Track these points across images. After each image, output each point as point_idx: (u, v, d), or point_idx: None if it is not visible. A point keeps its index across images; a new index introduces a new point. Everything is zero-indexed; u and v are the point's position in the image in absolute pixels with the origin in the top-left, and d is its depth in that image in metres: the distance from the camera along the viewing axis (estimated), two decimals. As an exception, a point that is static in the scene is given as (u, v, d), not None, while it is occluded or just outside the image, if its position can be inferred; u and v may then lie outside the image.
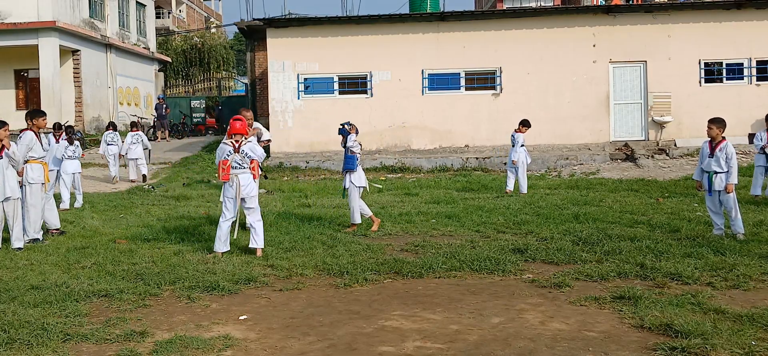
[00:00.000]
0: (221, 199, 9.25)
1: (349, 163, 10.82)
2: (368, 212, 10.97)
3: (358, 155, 10.92)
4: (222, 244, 8.99)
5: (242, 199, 9.00)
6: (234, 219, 9.12)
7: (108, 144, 19.44)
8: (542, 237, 9.82)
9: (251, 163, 9.01)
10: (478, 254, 8.53)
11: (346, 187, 10.90)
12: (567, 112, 21.83)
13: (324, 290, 7.32)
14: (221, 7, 64.15)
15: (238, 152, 8.96)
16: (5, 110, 28.90)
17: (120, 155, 19.64)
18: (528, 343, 5.50)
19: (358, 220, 10.84)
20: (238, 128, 9.05)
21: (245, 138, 9.10)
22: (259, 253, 8.94)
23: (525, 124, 15.60)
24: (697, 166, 9.82)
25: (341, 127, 10.98)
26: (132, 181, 19.48)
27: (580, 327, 5.86)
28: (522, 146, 15.33)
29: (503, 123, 16.02)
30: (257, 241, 9.02)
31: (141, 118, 31.89)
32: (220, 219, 9.07)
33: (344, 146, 10.94)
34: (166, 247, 9.50)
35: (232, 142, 9.03)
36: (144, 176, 19.57)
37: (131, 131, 20.27)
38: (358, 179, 10.86)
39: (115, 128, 20.26)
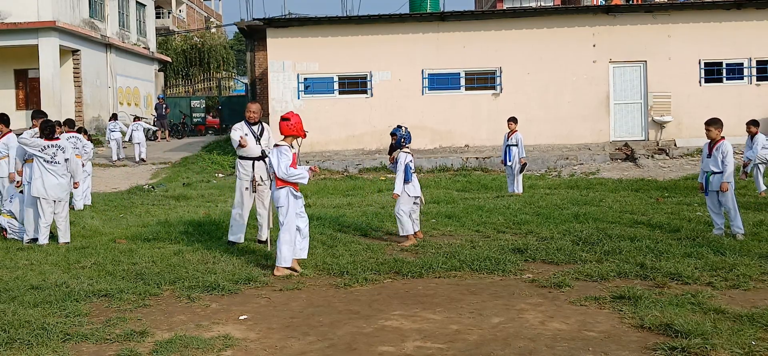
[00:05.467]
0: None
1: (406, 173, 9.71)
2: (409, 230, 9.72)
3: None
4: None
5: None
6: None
7: (111, 132, 24.09)
8: (542, 237, 9.81)
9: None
10: (478, 254, 8.53)
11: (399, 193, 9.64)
12: (567, 112, 21.84)
13: (324, 290, 7.32)
14: (221, 7, 64.17)
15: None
16: (5, 110, 28.90)
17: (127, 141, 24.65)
18: (528, 343, 5.50)
19: (409, 231, 9.69)
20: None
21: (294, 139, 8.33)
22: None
23: (516, 120, 15.39)
24: (700, 167, 9.86)
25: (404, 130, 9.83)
26: (141, 161, 23.56)
27: (580, 327, 5.86)
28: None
29: (503, 123, 15.99)
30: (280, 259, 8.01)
31: (141, 118, 31.93)
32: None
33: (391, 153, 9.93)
34: (166, 247, 9.48)
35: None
36: (142, 159, 23.68)
37: (133, 122, 24.96)
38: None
39: (116, 119, 25.38)
